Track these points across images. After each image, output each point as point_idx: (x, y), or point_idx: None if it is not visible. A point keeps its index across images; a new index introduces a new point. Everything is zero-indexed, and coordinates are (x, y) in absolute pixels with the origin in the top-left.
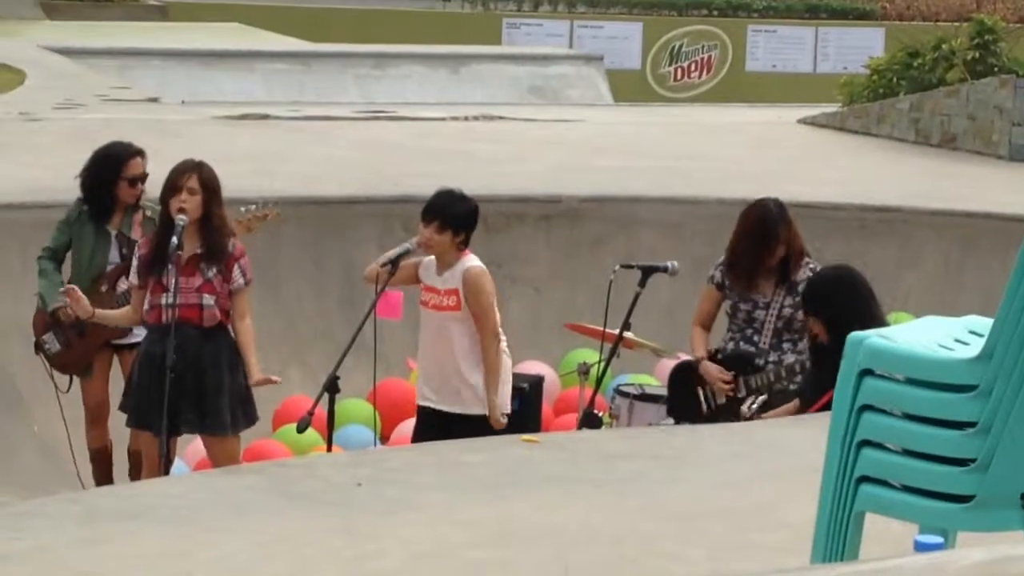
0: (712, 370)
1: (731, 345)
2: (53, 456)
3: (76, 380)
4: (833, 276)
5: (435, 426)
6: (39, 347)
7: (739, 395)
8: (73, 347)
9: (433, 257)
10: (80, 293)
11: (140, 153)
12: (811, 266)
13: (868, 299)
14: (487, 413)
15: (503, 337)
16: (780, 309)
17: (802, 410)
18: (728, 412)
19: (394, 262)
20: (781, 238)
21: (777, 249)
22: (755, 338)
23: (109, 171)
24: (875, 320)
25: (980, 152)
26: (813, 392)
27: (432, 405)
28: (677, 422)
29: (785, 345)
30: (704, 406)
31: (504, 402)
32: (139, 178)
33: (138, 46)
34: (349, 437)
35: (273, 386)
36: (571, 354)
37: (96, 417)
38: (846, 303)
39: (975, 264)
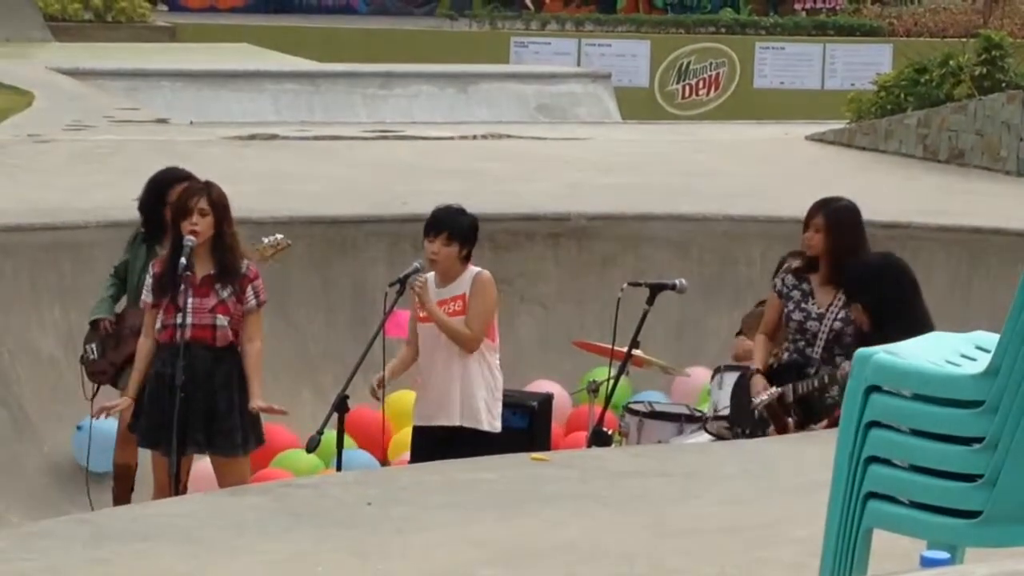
0: (756, 386)
1: (785, 356)
2: (62, 477)
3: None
4: (877, 263)
5: (435, 445)
6: (83, 357)
7: (787, 400)
8: (106, 355)
9: (430, 275)
10: (112, 404)
11: (188, 178)
12: None
13: (912, 288)
14: (493, 430)
15: (496, 352)
16: (833, 322)
17: None
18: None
19: (402, 281)
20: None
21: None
22: (807, 351)
23: (156, 197)
24: (916, 310)
25: (988, 168)
26: None
27: (433, 423)
28: (733, 429)
29: (838, 359)
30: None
31: (495, 418)
32: None
33: (147, 67)
34: (352, 460)
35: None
36: (590, 372)
37: (129, 435)
38: (889, 290)
39: (983, 280)
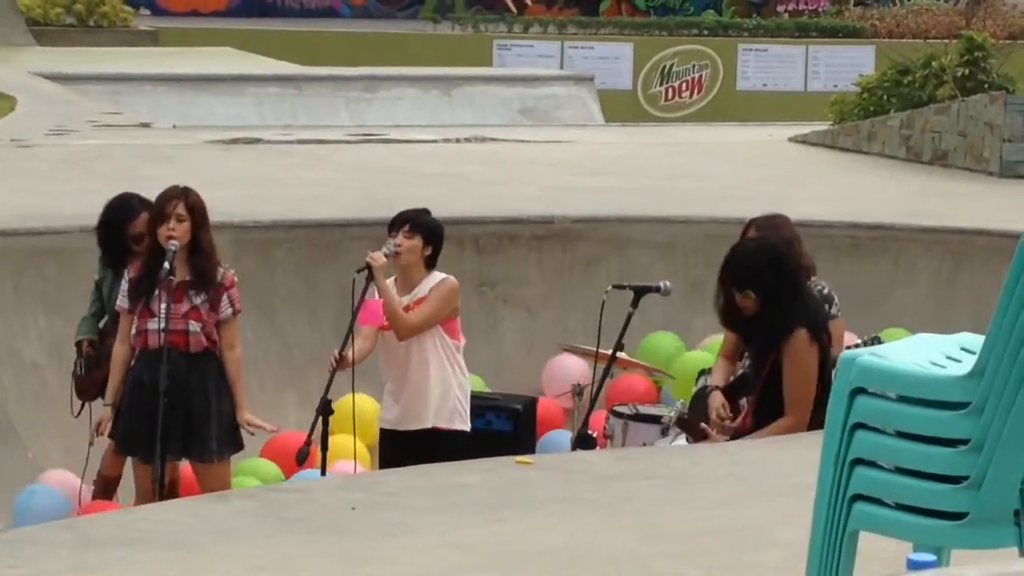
0: (713, 403)
1: (740, 371)
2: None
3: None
4: (758, 249)
5: (407, 449)
6: (74, 372)
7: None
8: (91, 373)
9: (390, 283)
10: (99, 424)
11: (146, 207)
12: (818, 287)
13: (796, 270)
14: (465, 428)
15: (461, 351)
16: None
17: (755, 398)
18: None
19: (370, 267)
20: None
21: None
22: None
23: (115, 229)
24: (802, 288)
25: (971, 169)
26: (756, 369)
27: (405, 428)
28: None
29: None
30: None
31: (466, 418)
32: (144, 235)
33: (129, 71)
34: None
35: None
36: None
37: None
38: (779, 276)
39: (967, 280)
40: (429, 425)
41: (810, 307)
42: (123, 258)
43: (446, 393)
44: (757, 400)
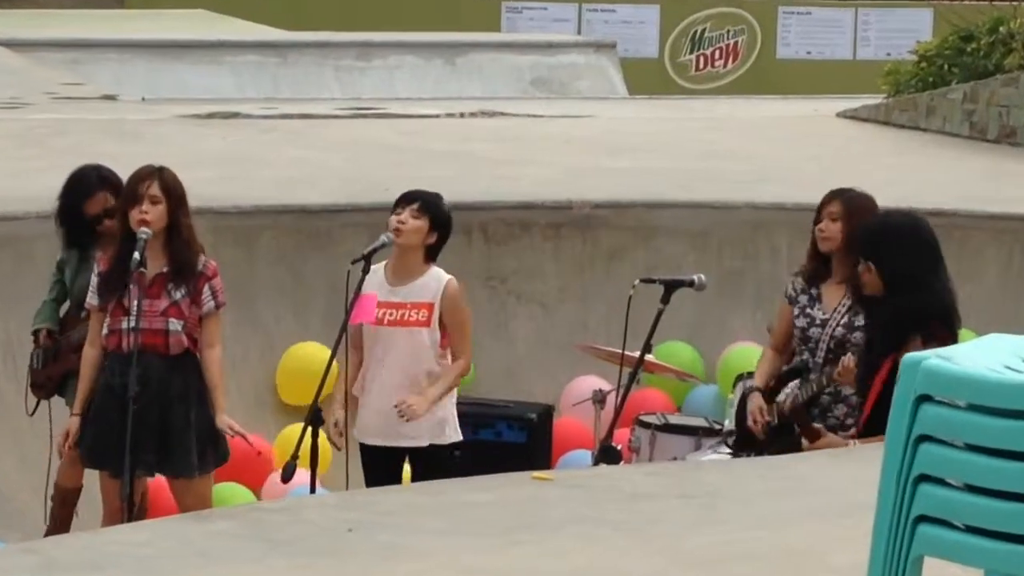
0: (751, 405)
1: (784, 368)
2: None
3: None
4: (899, 219)
5: (385, 466)
6: (30, 365)
7: (772, 424)
8: (47, 366)
9: (380, 272)
10: (64, 435)
11: (108, 181)
12: None
13: (933, 254)
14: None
15: (448, 356)
16: (835, 328)
17: (860, 399)
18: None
19: (367, 257)
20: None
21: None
22: (810, 362)
23: (72, 211)
24: (938, 281)
25: None
26: (867, 372)
27: (382, 443)
28: (738, 455)
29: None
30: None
31: (456, 427)
32: (104, 215)
33: (92, 37)
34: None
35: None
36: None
37: (75, 454)
38: (912, 254)
39: None
40: (423, 444)
41: (946, 303)
42: (86, 239)
43: (440, 405)
44: (872, 405)
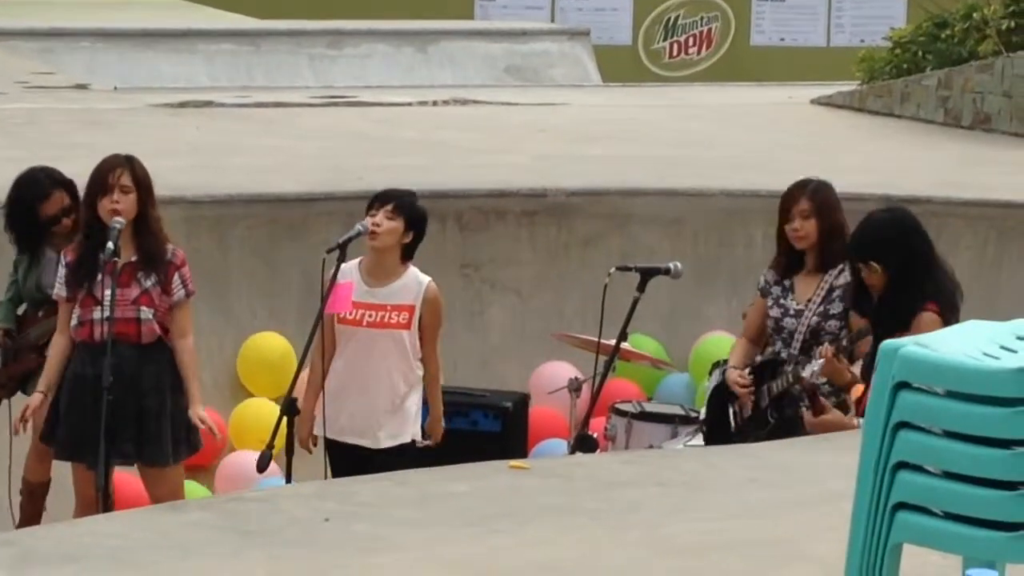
0: (731, 375)
1: (758, 358)
2: None
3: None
4: (893, 216)
5: (354, 463)
6: None
7: (761, 404)
8: (7, 366)
9: (353, 270)
10: (24, 411)
11: (60, 186)
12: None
13: (930, 243)
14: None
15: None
16: (811, 317)
17: (865, 382)
18: (755, 426)
19: (342, 246)
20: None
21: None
22: (783, 352)
23: (23, 214)
24: (942, 268)
25: (1017, 134)
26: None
27: (349, 440)
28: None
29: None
30: (732, 423)
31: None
32: (59, 216)
33: (63, 25)
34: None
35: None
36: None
37: (46, 449)
38: (916, 244)
39: (1014, 260)
40: (390, 444)
41: (942, 284)
42: (37, 242)
43: (409, 403)
44: None
